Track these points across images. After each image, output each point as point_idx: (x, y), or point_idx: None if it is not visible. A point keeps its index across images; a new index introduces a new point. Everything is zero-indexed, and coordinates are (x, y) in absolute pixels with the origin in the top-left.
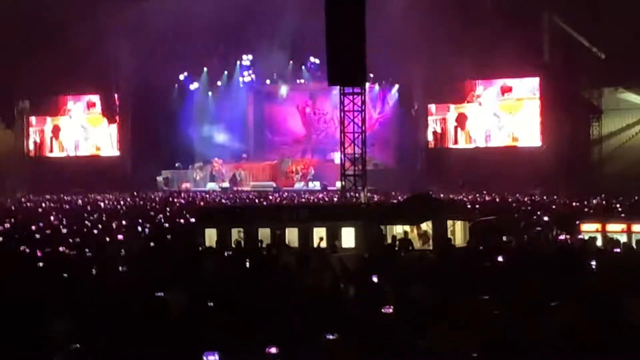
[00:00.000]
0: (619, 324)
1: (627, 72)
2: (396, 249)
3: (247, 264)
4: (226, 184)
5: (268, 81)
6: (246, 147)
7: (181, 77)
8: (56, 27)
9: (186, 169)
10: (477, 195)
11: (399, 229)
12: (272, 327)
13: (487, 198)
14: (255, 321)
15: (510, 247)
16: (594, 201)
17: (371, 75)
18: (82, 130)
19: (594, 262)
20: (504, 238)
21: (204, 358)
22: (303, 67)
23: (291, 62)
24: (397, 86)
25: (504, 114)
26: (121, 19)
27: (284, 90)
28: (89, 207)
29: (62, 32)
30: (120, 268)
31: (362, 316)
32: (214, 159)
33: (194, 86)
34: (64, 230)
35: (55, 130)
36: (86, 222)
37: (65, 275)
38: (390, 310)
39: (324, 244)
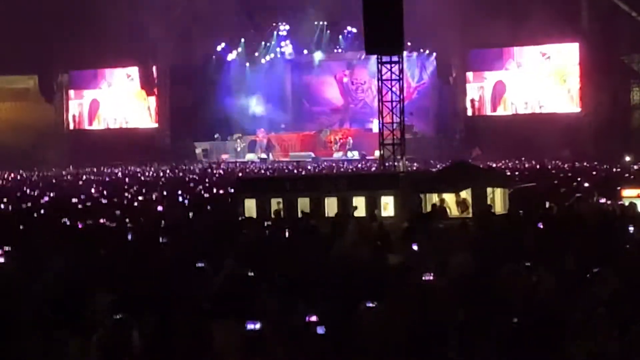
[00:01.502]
0: None
1: None
2: (435, 216)
3: (287, 234)
4: (265, 155)
5: (305, 51)
6: (284, 118)
7: (219, 48)
8: (94, 1)
9: (225, 141)
10: (517, 162)
11: (438, 197)
12: (312, 296)
13: (526, 165)
14: (296, 290)
15: (551, 213)
16: (635, 167)
17: (409, 43)
18: (121, 103)
19: (632, 228)
20: (547, 205)
21: (247, 326)
22: (340, 36)
23: (328, 31)
24: (434, 54)
25: (542, 81)
26: None
27: (319, 55)
28: (128, 179)
29: (100, 5)
30: (160, 239)
31: (403, 284)
32: (259, 129)
33: (231, 57)
34: (104, 202)
35: (94, 103)
36: (126, 194)
37: (106, 246)
38: (431, 278)
39: (360, 213)
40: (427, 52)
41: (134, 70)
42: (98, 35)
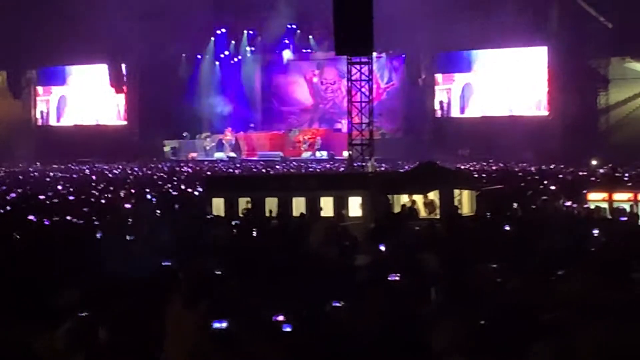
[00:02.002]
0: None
1: (635, 42)
2: (402, 217)
3: (255, 233)
4: (233, 154)
5: (276, 51)
6: (253, 117)
7: (188, 47)
8: None
9: (193, 139)
10: (484, 164)
11: (406, 198)
12: (279, 295)
13: (493, 167)
14: (263, 289)
15: (518, 215)
16: (601, 171)
17: (378, 44)
18: (89, 100)
19: (596, 231)
20: (514, 207)
21: (213, 325)
22: (310, 36)
23: (298, 31)
24: (404, 56)
25: (510, 84)
26: None
27: (288, 55)
28: (95, 177)
29: (69, 1)
30: (127, 237)
31: (369, 284)
32: (227, 129)
33: (201, 56)
34: (72, 199)
35: (62, 100)
36: (93, 191)
37: (73, 243)
38: (397, 278)
39: (327, 213)
40: (397, 53)
41: (103, 68)
42: (67, 32)
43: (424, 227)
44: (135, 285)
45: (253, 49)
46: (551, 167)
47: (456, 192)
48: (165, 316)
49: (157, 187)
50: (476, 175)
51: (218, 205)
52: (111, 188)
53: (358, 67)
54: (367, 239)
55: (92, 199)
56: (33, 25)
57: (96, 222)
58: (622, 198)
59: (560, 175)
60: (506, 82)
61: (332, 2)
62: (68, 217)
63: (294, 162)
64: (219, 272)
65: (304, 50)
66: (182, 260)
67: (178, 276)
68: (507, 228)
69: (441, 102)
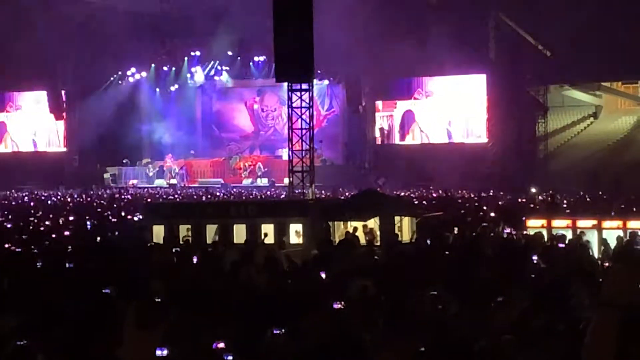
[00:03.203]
0: (562, 316)
1: (572, 70)
2: (344, 245)
3: (195, 260)
4: (174, 180)
5: (217, 78)
6: (194, 144)
7: (129, 73)
8: (2, 23)
9: (134, 166)
10: (424, 191)
11: (350, 225)
12: (219, 322)
13: (434, 194)
14: (203, 317)
15: (457, 242)
16: (540, 197)
17: (319, 71)
18: (29, 126)
19: (535, 257)
20: (453, 233)
21: (155, 353)
22: (251, 63)
23: (239, 58)
24: (344, 83)
25: (450, 111)
26: (68, 15)
27: (229, 82)
28: (33, 204)
29: (8, 28)
30: (66, 264)
31: (310, 312)
32: (167, 155)
33: (142, 83)
34: (9, 227)
35: (2, 126)
36: (32, 218)
37: (11, 271)
38: (340, 306)
39: (269, 240)
40: (337, 80)
41: (42, 94)
42: (5, 58)
43: (364, 254)
44: (74, 313)
45: (194, 74)
46: (490, 193)
47: (396, 218)
48: (114, 341)
49: (96, 214)
50: (416, 202)
51: (158, 233)
52: (50, 215)
53: (299, 94)
54: (309, 266)
55: (31, 227)
56: None
57: (35, 250)
58: (561, 225)
59: (500, 202)
60: (446, 109)
61: (273, 29)
62: (6, 245)
63: (234, 189)
64: (159, 300)
65: (245, 77)
66: (122, 287)
67: (117, 304)
68: (447, 254)
69: (382, 129)
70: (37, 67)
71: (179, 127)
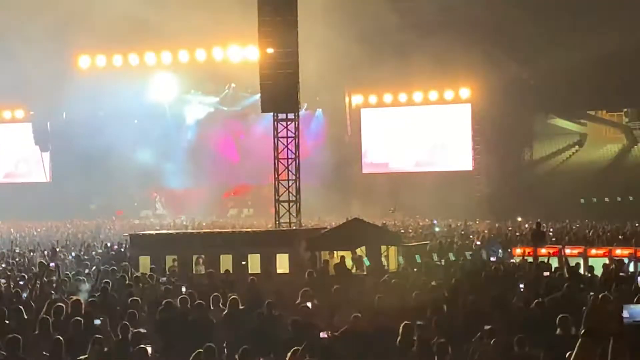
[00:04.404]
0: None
1: (558, 99)
2: (331, 274)
3: (183, 290)
4: (161, 211)
5: (209, 109)
6: (181, 174)
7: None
8: None
9: (120, 196)
10: (411, 219)
11: (337, 255)
12: (209, 351)
13: (420, 222)
14: (191, 346)
15: (449, 271)
16: (526, 225)
17: (304, 102)
18: (13, 156)
19: (522, 285)
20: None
21: None
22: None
23: (226, 90)
24: (330, 112)
25: (436, 139)
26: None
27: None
28: (18, 234)
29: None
30: (52, 296)
31: (299, 341)
32: (155, 186)
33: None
34: None
35: None
36: (16, 249)
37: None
38: (327, 335)
39: (254, 270)
40: (323, 109)
41: (27, 126)
42: None
43: (352, 283)
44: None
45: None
46: (476, 221)
47: (383, 248)
48: None
49: (82, 244)
50: (402, 231)
51: (145, 263)
52: (36, 246)
53: (284, 123)
54: (295, 296)
55: (15, 258)
56: None
57: (20, 282)
58: (547, 253)
59: (486, 231)
60: (431, 138)
61: (258, 60)
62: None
63: (220, 219)
64: (144, 330)
65: (231, 107)
66: (110, 319)
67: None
68: (434, 284)
69: (367, 158)
70: (22, 98)
71: (165, 157)
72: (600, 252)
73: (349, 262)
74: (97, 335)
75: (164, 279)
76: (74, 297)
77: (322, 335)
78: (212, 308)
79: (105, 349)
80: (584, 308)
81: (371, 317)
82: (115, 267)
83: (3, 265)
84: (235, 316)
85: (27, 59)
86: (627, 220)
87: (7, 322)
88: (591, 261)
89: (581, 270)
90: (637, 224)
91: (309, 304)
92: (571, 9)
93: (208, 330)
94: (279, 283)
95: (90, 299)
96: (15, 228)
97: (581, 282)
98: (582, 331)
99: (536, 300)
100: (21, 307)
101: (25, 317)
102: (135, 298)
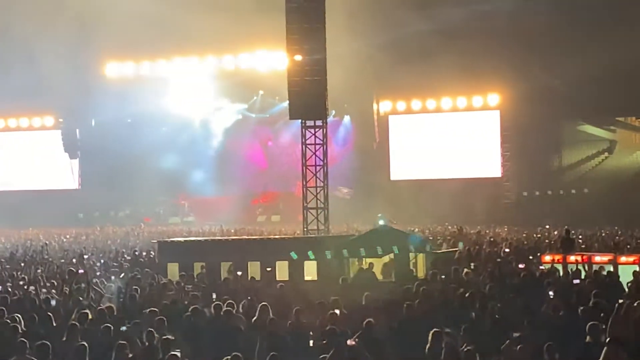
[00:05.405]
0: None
1: (586, 106)
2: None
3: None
4: (189, 218)
5: (237, 116)
6: (208, 181)
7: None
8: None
9: (149, 203)
10: (439, 227)
11: (365, 262)
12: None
13: (450, 228)
14: (220, 354)
15: (472, 278)
16: (555, 232)
17: (333, 111)
18: (42, 164)
19: (551, 293)
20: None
21: None
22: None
23: (255, 97)
24: (359, 119)
25: (465, 145)
26: None
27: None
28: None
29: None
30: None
31: (327, 349)
32: (183, 193)
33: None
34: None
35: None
36: (46, 256)
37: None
38: (354, 343)
39: (282, 277)
40: (351, 116)
41: (56, 134)
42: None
43: (380, 291)
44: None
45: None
46: (505, 228)
47: (411, 255)
48: None
49: (111, 251)
50: (430, 238)
51: (173, 270)
52: (65, 253)
53: (312, 130)
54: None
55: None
56: None
57: (52, 290)
58: (577, 260)
59: (515, 238)
60: (460, 145)
61: (286, 67)
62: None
63: (249, 226)
64: (171, 337)
65: (258, 114)
66: (138, 324)
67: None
68: (462, 290)
69: (395, 164)
70: (49, 106)
71: (193, 164)
72: (631, 259)
73: (377, 270)
74: (122, 342)
75: (190, 286)
76: (103, 304)
77: (350, 342)
78: (240, 315)
79: (130, 355)
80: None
81: (399, 324)
82: (143, 274)
83: (33, 272)
84: (264, 323)
85: (56, 67)
86: None
87: (37, 328)
88: (621, 268)
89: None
90: None
91: (337, 311)
92: (600, 15)
93: (236, 338)
94: (307, 290)
95: (118, 306)
96: (44, 235)
97: (610, 290)
98: (607, 339)
99: (566, 308)
100: (50, 313)
101: (55, 323)
102: (164, 303)
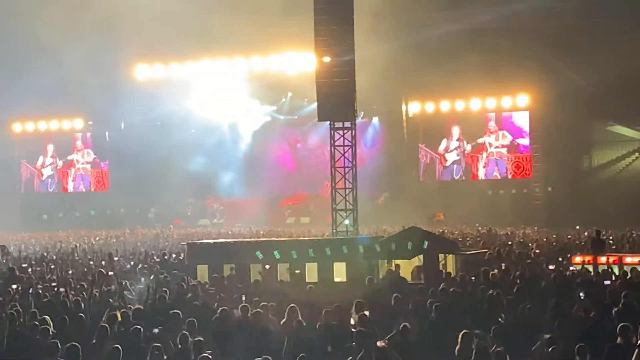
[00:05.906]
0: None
1: (616, 106)
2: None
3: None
4: (219, 220)
5: (266, 118)
6: (237, 183)
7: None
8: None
9: (178, 205)
10: (468, 228)
11: (393, 263)
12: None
13: (480, 230)
14: (250, 355)
15: (502, 281)
16: (585, 233)
17: (362, 112)
18: (73, 166)
19: (582, 294)
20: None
21: None
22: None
23: (283, 99)
24: (387, 121)
25: (493, 147)
26: None
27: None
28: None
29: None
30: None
31: (356, 350)
32: (212, 195)
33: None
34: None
35: (42, 166)
36: (76, 257)
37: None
38: (384, 344)
39: (311, 279)
40: (379, 117)
41: (86, 136)
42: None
43: (409, 292)
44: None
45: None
46: (535, 229)
47: (440, 256)
48: None
49: (140, 253)
50: (460, 239)
51: (202, 272)
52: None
53: (341, 132)
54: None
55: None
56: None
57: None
58: (607, 261)
59: (545, 239)
60: (488, 146)
61: (315, 69)
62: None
63: (278, 228)
64: (201, 339)
65: (287, 116)
66: (170, 327)
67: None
68: (491, 292)
69: (425, 166)
70: (80, 106)
71: (222, 166)
72: None
73: (407, 271)
74: (156, 344)
75: (217, 288)
76: (133, 306)
77: (379, 344)
78: (270, 317)
79: (165, 357)
80: None
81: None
82: (172, 276)
83: (64, 274)
84: (293, 325)
85: (85, 70)
86: None
87: (67, 330)
88: None
89: None
90: None
91: (366, 313)
92: (629, 15)
93: (266, 339)
94: (337, 292)
95: (148, 308)
96: (74, 237)
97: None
98: (639, 342)
99: (597, 309)
100: (81, 315)
101: (85, 325)
102: (194, 304)
